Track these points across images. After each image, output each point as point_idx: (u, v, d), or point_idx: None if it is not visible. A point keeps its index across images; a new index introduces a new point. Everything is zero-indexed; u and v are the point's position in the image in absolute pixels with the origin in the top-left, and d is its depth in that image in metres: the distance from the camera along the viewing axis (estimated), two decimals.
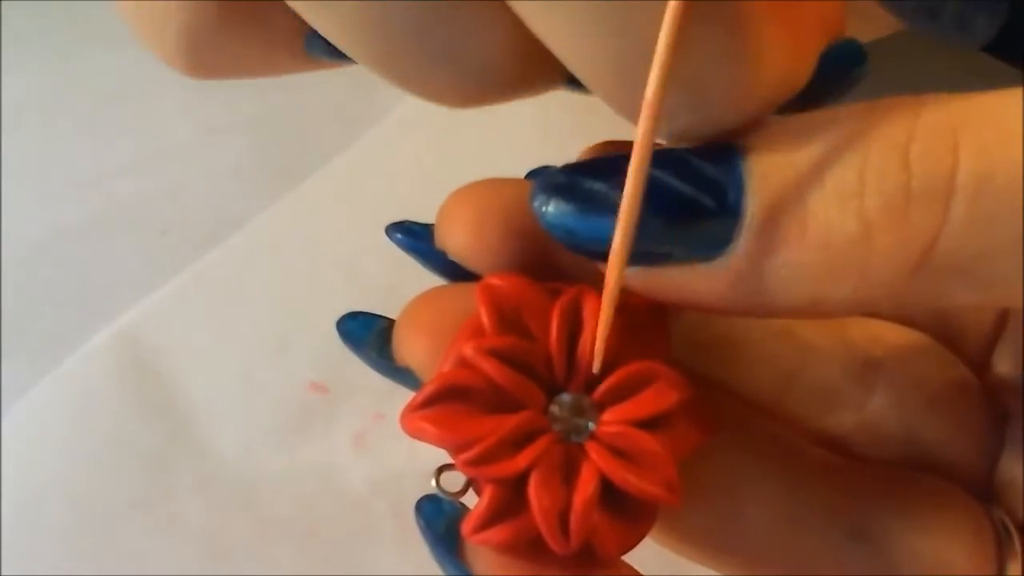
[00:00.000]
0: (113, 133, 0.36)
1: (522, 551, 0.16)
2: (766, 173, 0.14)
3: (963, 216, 0.14)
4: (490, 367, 0.15)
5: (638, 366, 0.16)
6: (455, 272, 0.17)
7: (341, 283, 0.32)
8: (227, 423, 0.30)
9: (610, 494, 0.15)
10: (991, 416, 0.20)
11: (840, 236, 0.14)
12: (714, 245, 0.14)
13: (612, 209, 0.14)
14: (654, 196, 0.14)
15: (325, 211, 0.33)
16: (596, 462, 0.15)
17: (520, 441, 0.15)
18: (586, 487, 0.15)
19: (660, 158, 0.15)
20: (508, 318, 0.16)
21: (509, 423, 0.15)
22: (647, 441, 0.15)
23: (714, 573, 0.19)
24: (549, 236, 0.15)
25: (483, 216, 0.17)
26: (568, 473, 0.15)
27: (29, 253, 0.34)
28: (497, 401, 0.15)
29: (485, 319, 0.16)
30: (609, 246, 0.14)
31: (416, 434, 0.15)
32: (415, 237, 0.18)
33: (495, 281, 0.16)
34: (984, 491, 0.19)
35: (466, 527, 0.15)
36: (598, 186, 0.15)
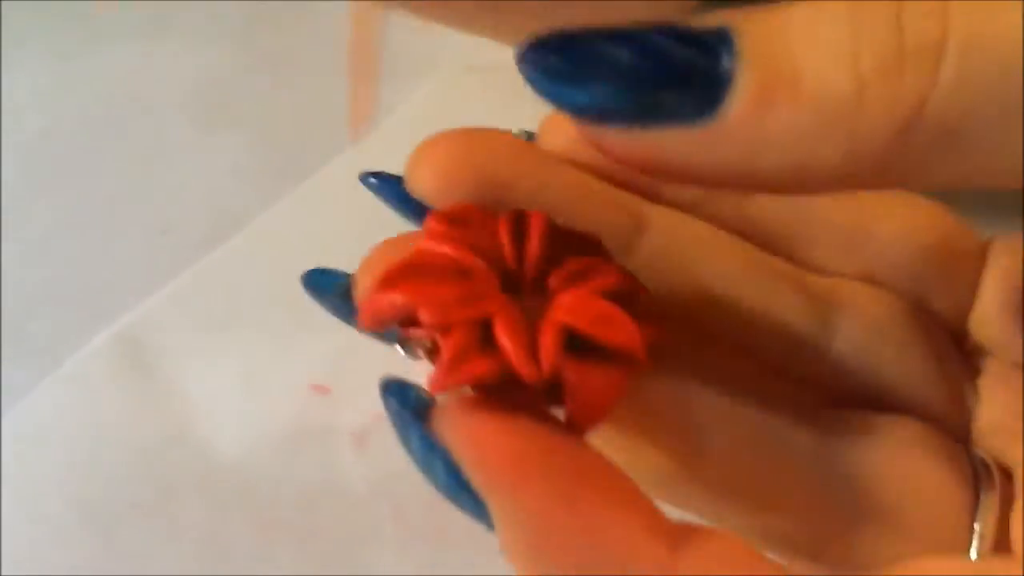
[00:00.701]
0: (113, 133, 0.36)
1: (492, 412, 0.15)
2: (758, 35, 0.15)
3: (952, 76, 0.14)
4: (451, 248, 0.16)
5: (588, 260, 0.16)
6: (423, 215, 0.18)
7: None
8: (227, 423, 0.30)
9: (575, 354, 0.16)
10: (964, 364, 0.20)
11: (834, 94, 0.14)
12: (705, 106, 0.15)
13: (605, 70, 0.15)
14: (650, 57, 0.15)
15: (325, 211, 0.33)
16: (559, 314, 0.16)
17: (485, 295, 0.16)
18: (552, 325, 0.15)
19: (654, 24, 0.15)
20: (459, 224, 0.16)
21: (474, 279, 0.16)
22: (607, 306, 0.16)
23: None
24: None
25: (454, 165, 0.18)
26: (532, 323, 0.16)
27: (29, 253, 0.34)
28: (459, 273, 0.16)
29: (435, 224, 0.16)
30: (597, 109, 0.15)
31: (379, 309, 0.16)
32: (388, 181, 0.19)
33: (445, 207, 0.17)
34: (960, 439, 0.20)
35: (434, 377, 0.15)
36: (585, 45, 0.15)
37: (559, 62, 0.15)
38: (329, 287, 0.19)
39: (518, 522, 0.14)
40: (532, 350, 0.15)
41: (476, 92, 0.35)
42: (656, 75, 0.15)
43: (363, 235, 0.32)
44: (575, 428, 0.16)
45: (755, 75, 0.15)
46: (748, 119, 0.15)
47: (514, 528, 0.15)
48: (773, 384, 0.19)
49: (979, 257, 0.20)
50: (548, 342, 0.15)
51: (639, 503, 0.15)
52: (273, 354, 0.31)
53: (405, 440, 0.16)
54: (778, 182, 0.15)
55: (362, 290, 0.18)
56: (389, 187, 0.19)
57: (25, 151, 0.36)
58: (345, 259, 0.32)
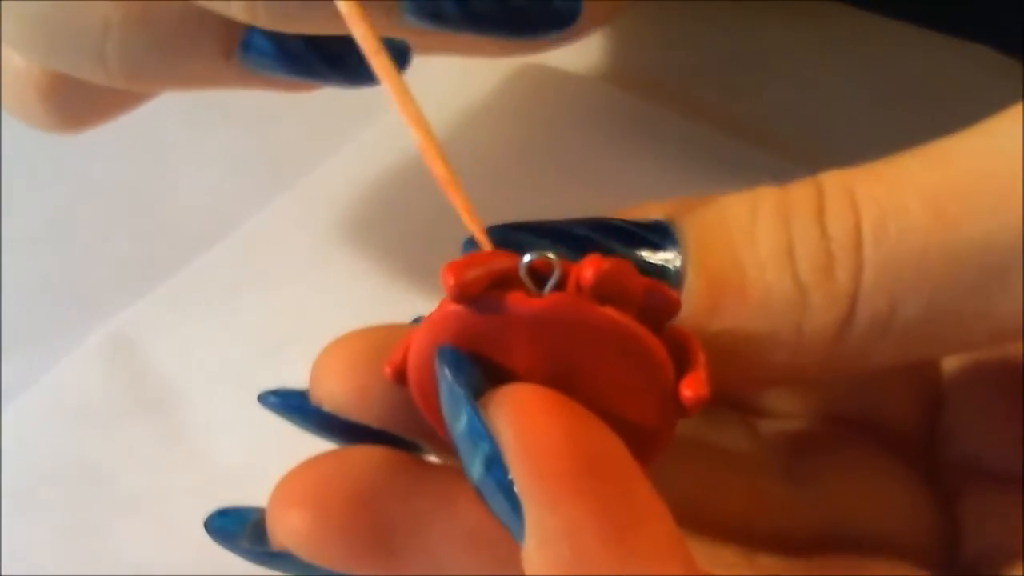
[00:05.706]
0: (112, 132, 0.36)
1: (555, 409, 0.14)
2: (700, 233, 0.15)
3: (873, 262, 0.15)
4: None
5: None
6: (333, 428, 0.18)
7: (339, 283, 0.31)
8: (225, 423, 0.29)
9: None
10: (934, 490, 0.19)
11: (779, 297, 0.15)
12: None
13: None
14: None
15: (323, 211, 0.33)
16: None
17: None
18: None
19: (598, 225, 0.16)
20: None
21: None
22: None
23: None
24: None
25: (354, 359, 0.17)
26: None
27: (26, 252, 0.33)
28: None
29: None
30: None
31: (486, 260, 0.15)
32: (289, 396, 0.18)
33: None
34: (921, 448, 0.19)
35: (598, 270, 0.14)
36: None
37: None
38: (238, 530, 0.17)
39: (552, 539, 0.13)
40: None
41: (476, 87, 0.35)
42: None
43: (361, 235, 0.32)
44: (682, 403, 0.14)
45: (702, 280, 0.15)
46: (698, 321, 0.15)
47: (546, 544, 0.13)
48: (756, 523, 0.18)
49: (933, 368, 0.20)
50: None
51: (682, 557, 0.13)
52: (271, 354, 0.31)
53: (453, 416, 0.14)
54: (731, 379, 0.15)
55: (274, 521, 0.17)
56: (291, 399, 0.18)
57: (21, 150, 0.36)
58: (343, 260, 0.32)
